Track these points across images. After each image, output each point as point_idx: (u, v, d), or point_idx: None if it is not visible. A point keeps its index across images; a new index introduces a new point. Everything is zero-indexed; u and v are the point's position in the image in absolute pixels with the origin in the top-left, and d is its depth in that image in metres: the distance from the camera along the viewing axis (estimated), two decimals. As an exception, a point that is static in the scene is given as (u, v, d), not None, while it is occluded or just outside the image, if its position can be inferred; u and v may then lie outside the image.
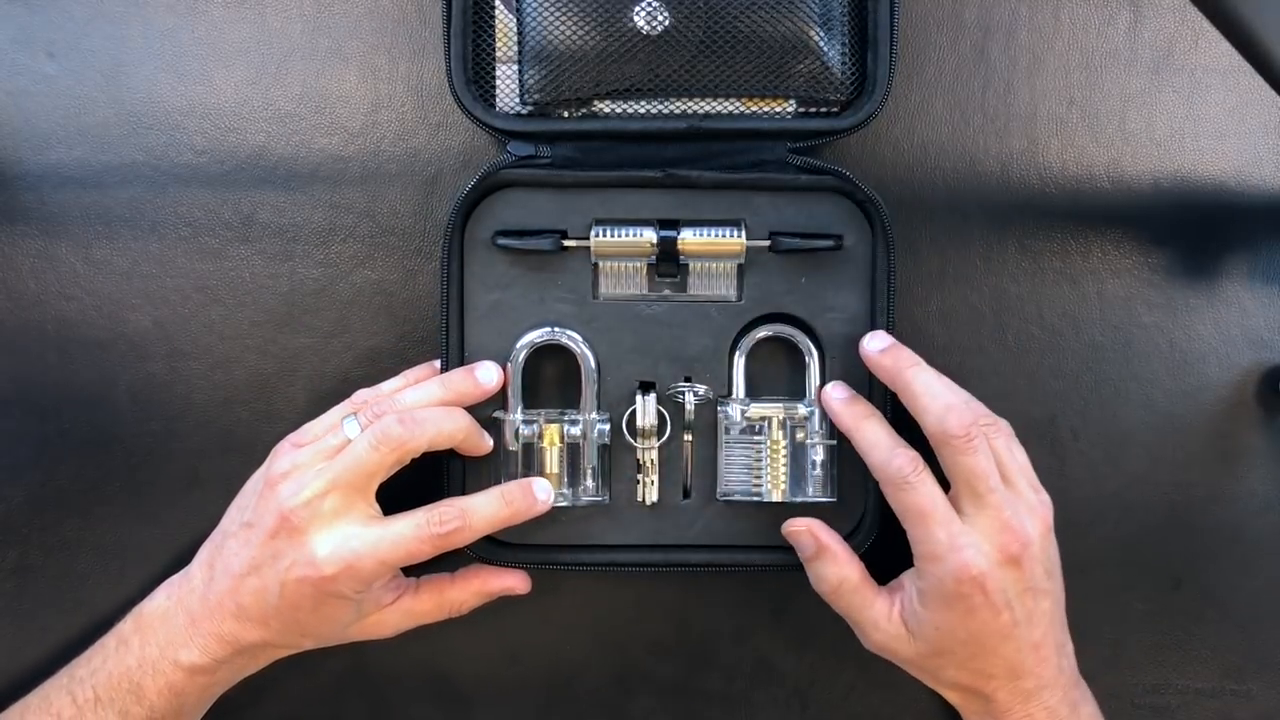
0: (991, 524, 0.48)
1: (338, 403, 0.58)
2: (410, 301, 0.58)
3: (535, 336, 0.55)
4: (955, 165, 0.58)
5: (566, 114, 0.54)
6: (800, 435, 0.55)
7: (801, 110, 0.55)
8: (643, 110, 0.54)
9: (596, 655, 0.59)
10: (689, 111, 0.54)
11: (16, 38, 0.57)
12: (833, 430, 0.55)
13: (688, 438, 0.56)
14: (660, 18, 0.52)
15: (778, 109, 0.55)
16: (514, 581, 0.55)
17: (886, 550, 0.56)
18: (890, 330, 0.54)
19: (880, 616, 0.51)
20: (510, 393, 0.55)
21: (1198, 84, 0.58)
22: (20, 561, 0.58)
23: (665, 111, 0.54)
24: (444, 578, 0.54)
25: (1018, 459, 0.51)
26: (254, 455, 0.54)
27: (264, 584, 0.49)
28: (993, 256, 0.59)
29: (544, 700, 0.59)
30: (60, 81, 0.57)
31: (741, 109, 0.55)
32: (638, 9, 0.52)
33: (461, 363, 0.55)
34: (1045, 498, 0.51)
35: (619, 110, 0.54)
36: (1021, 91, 0.58)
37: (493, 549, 0.56)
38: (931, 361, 0.52)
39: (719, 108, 0.55)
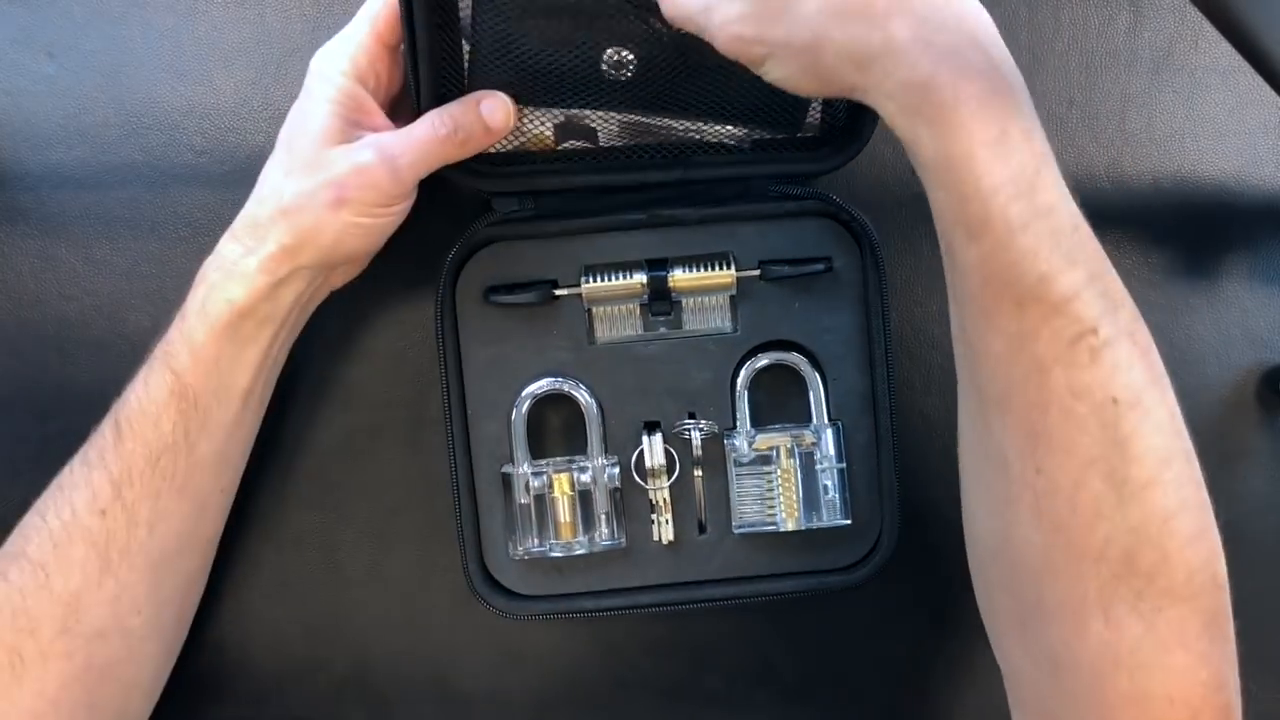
0: None
1: (338, 403, 0.58)
2: (410, 301, 0.58)
3: (536, 388, 0.55)
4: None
5: (541, 160, 0.53)
6: (813, 458, 0.55)
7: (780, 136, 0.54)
8: (620, 145, 0.53)
9: (596, 655, 0.59)
10: (670, 139, 0.53)
11: (16, 38, 0.57)
12: (842, 453, 0.55)
13: (698, 473, 0.56)
14: (626, 63, 0.49)
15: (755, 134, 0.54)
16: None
17: (903, 569, 0.56)
18: (887, 344, 0.54)
19: None
20: (515, 445, 0.55)
21: (1198, 84, 0.58)
22: (20, 561, 0.58)
23: (645, 145, 0.53)
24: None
25: None
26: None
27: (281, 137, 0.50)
28: (993, 256, 0.58)
29: (544, 701, 0.59)
30: (60, 81, 0.57)
31: (719, 137, 0.53)
32: (605, 56, 0.48)
33: (465, 420, 0.55)
34: None
35: (595, 163, 0.53)
36: (1021, 91, 0.58)
37: (511, 601, 0.56)
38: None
39: (695, 129, 0.53)
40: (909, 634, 0.59)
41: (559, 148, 0.52)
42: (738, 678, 0.59)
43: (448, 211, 0.56)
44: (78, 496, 0.48)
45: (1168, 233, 0.58)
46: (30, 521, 0.49)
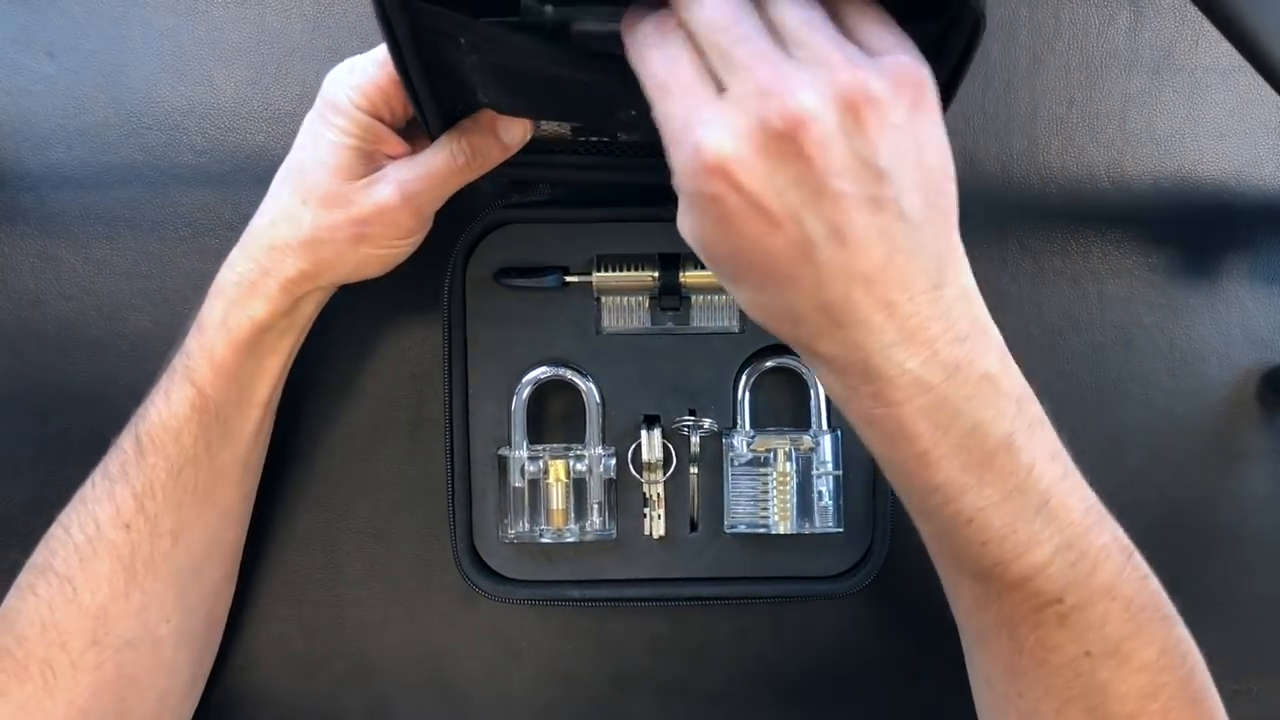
0: (746, 90, 0.33)
1: (337, 403, 0.58)
2: (411, 301, 0.58)
3: (539, 373, 0.55)
4: (955, 165, 0.58)
5: (559, 151, 0.51)
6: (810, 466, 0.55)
7: None
8: (638, 141, 0.51)
9: (596, 655, 0.59)
10: None
11: (16, 38, 0.57)
12: (839, 460, 0.55)
13: (694, 470, 0.56)
14: (638, 117, 0.45)
15: None
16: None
17: (895, 581, 0.56)
18: None
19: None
20: (514, 429, 0.55)
21: (1198, 84, 0.58)
22: (20, 561, 0.58)
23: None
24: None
25: (813, 17, 0.34)
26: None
27: (290, 157, 0.49)
28: (993, 256, 0.59)
29: (544, 700, 0.59)
30: (60, 81, 0.57)
31: None
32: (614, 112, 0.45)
33: (466, 401, 0.55)
34: (894, 60, 0.34)
35: (612, 159, 0.51)
36: (1021, 91, 0.58)
37: (497, 584, 0.56)
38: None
39: None
40: (908, 635, 0.59)
41: (577, 139, 0.51)
42: (737, 677, 0.59)
43: (459, 199, 0.56)
44: (101, 511, 0.48)
45: (1168, 233, 0.58)
46: (55, 534, 0.49)
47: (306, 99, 0.57)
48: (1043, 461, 0.38)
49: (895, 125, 0.34)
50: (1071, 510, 0.38)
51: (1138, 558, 0.40)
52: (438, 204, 0.49)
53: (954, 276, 0.37)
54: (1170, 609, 0.40)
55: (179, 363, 0.49)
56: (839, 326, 0.36)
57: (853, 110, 0.33)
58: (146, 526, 0.48)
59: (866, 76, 0.33)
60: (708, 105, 0.34)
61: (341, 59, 0.57)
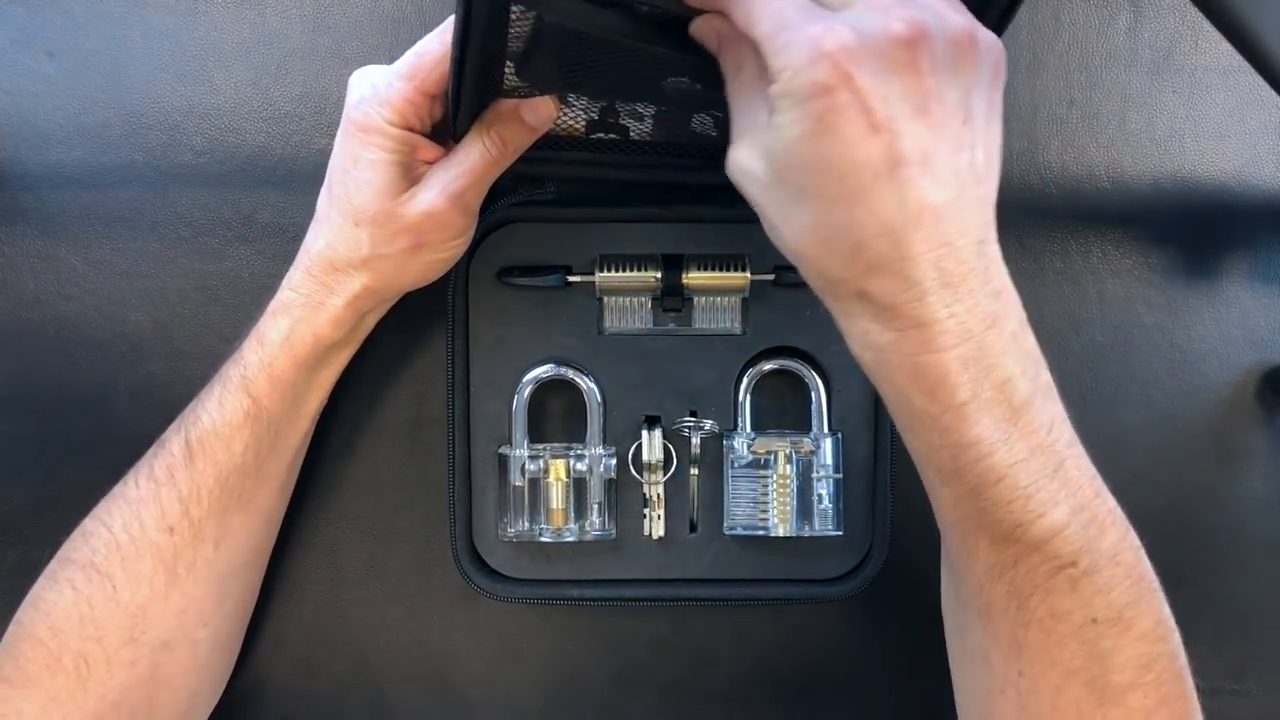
0: (865, 5, 0.35)
1: (338, 403, 0.58)
2: (410, 300, 0.58)
3: (540, 372, 0.55)
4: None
5: (569, 148, 0.52)
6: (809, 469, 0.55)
7: None
8: (648, 141, 0.51)
9: (596, 655, 0.59)
10: (698, 144, 0.51)
11: (16, 38, 0.57)
12: (839, 464, 0.55)
13: (694, 472, 0.56)
14: (690, 88, 0.46)
15: None
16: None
17: (894, 585, 0.56)
18: None
19: (750, 119, 0.38)
20: (515, 427, 0.55)
21: (1198, 84, 0.58)
22: (20, 561, 0.58)
23: (672, 143, 0.51)
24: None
25: None
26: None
27: (328, 177, 0.49)
28: (993, 256, 0.59)
29: (544, 700, 0.59)
30: (60, 81, 0.57)
31: None
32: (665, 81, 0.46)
33: (467, 399, 0.56)
34: (986, 31, 0.36)
35: (622, 158, 0.52)
36: (1021, 91, 0.58)
37: (497, 584, 0.56)
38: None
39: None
40: (906, 638, 0.59)
41: (589, 137, 0.51)
42: (737, 677, 0.59)
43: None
44: (146, 512, 0.49)
45: (1168, 233, 0.58)
46: (96, 531, 0.49)
47: (306, 99, 0.57)
48: (1058, 424, 0.39)
49: (982, 83, 0.36)
50: (1082, 473, 0.39)
51: (1131, 535, 0.41)
52: (481, 197, 0.50)
53: (993, 237, 0.38)
54: (1158, 583, 0.41)
55: (234, 372, 0.50)
56: (899, 259, 0.36)
57: (958, 46, 0.35)
58: (190, 531, 0.49)
59: (975, 26, 0.36)
60: (822, 14, 0.35)
61: (341, 59, 0.58)
